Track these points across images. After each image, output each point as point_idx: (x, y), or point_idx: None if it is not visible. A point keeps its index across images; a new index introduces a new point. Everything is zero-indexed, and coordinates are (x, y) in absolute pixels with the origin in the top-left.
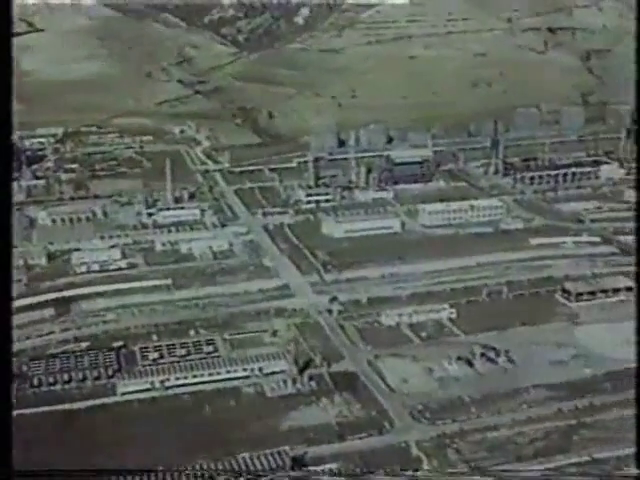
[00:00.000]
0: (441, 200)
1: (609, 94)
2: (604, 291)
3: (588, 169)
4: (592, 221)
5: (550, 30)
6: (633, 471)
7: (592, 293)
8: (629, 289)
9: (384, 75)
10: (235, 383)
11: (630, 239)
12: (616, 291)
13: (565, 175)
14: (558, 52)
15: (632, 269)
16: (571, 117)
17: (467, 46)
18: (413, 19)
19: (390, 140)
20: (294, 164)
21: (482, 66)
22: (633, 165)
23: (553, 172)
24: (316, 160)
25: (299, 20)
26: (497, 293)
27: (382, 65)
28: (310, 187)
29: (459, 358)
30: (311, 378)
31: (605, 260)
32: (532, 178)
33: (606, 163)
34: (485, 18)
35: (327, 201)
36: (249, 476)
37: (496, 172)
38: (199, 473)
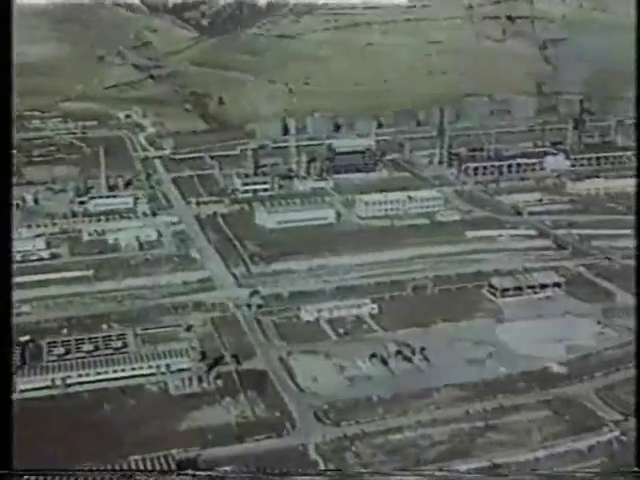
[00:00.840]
0: (382, 190)
1: (563, 84)
2: (531, 287)
3: (533, 160)
4: (531, 214)
5: (509, 18)
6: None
7: (519, 289)
8: (557, 285)
9: (339, 62)
10: (140, 380)
11: (566, 232)
12: (543, 287)
13: (510, 166)
14: (516, 41)
15: (565, 264)
16: (522, 107)
17: (424, 34)
18: (372, 6)
19: (337, 128)
20: (237, 152)
21: (438, 54)
22: (579, 156)
23: (497, 163)
24: (260, 148)
25: (262, 4)
26: (422, 288)
27: (338, 52)
28: (247, 176)
29: (373, 356)
30: (218, 376)
31: (539, 254)
32: (476, 169)
33: (552, 154)
34: (445, 5)
35: (265, 190)
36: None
37: (441, 162)
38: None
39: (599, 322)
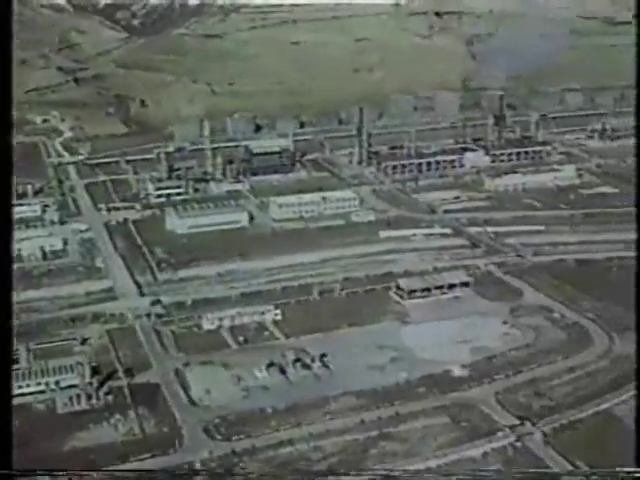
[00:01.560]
0: (299, 191)
1: (489, 79)
2: (439, 287)
3: (453, 157)
4: (447, 212)
5: (437, 14)
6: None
7: (426, 290)
8: (465, 284)
9: (265, 61)
10: (28, 399)
11: (481, 230)
12: (451, 287)
13: (429, 164)
14: (443, 37)
15: (476, 262)
16: (446, 103)
17: (352, 31)
18: (300, 3)
19: (258, 128)
20: (154, 155)
21: (365, 51)
22: (499, 152)
23: (417, 161)
24: (177, 151)
25: (193, 4)
26: (329, 291)
27: (264, 51)
28: (160, 180)
29: (272, 365)
30: (109, 392)
31: (452, 253)
32: (395, 167)
33: (472, 151)
34: (373, 2)
35: (178, 194)
36: None
37: (360, 161)
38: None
39: (505, 322)
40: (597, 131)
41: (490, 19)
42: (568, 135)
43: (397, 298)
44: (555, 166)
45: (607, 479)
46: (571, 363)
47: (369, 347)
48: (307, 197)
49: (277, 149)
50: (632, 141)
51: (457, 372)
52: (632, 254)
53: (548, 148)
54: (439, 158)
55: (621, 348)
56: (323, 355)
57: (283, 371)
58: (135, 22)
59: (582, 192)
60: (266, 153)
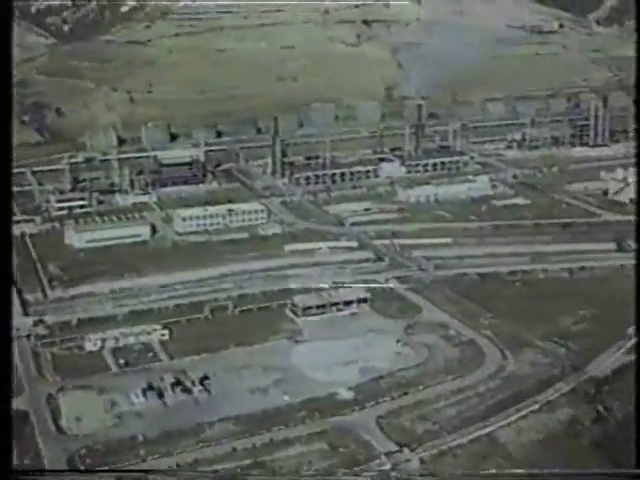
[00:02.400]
0: (206, 203)
1: (413, 88)
2: (335, 304)
3: (368, 168)
4: (356, 224)
5: (365, 22)
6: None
7: (322, 307)
8: (363, 301)
9: (187, 69)
10: None
11: (388, 243)
12: (348, 304)
13: (343, 174)
14: (370, 45)
15: (379, 277)
16: (368, 112)
17: (278, 38)
18: (227, 10)
19: (174, 138)
20: (62, 166)
21: (290, 59)
22: (415, 162)
23: (330, 171)
24: (87, 161)
25: (124, 10)
26: (222, 309)
27: (188, 58)
28: (63, 192)
29: (150, 388)
30: None
31: (355, 267)
32: (308, 178)
33: (389, 161)
34: (301, 10)
35: (81, 207)
36: None
37: (274, 172)
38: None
39: (398, 341)
40: (516, 141)
41: (418, 28)
42: (488, 145)
43: (292, 316)
44: (470, 177)
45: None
46: (460, 384)
47: (255, 368)
48: (212, 209)
49: (187, 159)
50: (551, 151)
51: (343, 394)
52: (538, 267)
53: (465, 158)
54: (354, 169)
55: (513, 367)
56: (205, 378)
57: (161, 395)
58: (65, 28)
59: (494, 203)
60: (175, 164)
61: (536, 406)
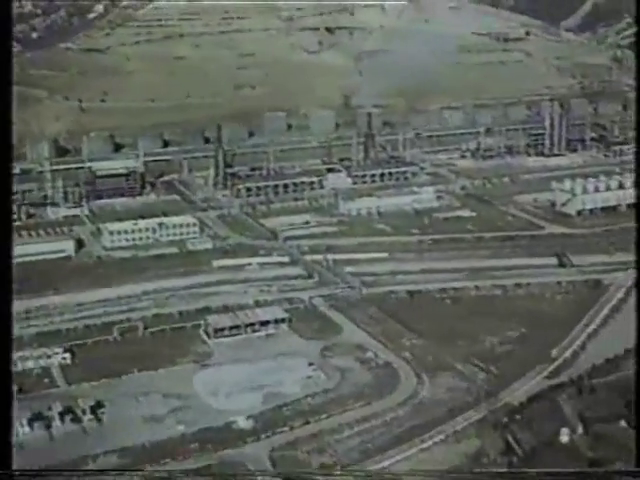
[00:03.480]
0: (141, 217)
1: (372, 96)
2: (250, 324)
3: (313, 179)
4: (292, 238)
5: (328, 30)
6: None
7: (236, 327)
8: (281, 321)
9: (144, 76)
10: None
11: (321, 258)
12: (265, 324)
13: (286, 186)
14: (332, 53)
15: (304, 295)
16: (322, 121)
17: (238, 46)
18: (188, 17)
19: (118, 148)
20: None
21: (250, 67)
22: (362, 173)
23: (273, 183)
24: (24, 173)
25: (91, 17)
26: (133, 330)
27: (145, 66)
28: None
29: (37, 418)
30: None
31: (282, 284)
32: (249, 190)
33: (336, 171)
34: (264, 17)
35: None
36: None
37: (215, 184)
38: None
39: (311, 364)
40: (470, 150)
41: (381, 35)
42: (441, 155)
43: (205, 337)
44: (415, 188)
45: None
46: (368, 411)
47: (154, 395)
48: (142, 223)
49: (123, 171)
50: (506, 160)
51: (241, 424)
52: (470, 284)
53: (414, 169)
54: (298, 180)
55: (427, 392)
56: (99, 405)
57: (49, 425)
58: (34, 35)
59: (438, 216)
60: (111, 175)
61: (441, 437)
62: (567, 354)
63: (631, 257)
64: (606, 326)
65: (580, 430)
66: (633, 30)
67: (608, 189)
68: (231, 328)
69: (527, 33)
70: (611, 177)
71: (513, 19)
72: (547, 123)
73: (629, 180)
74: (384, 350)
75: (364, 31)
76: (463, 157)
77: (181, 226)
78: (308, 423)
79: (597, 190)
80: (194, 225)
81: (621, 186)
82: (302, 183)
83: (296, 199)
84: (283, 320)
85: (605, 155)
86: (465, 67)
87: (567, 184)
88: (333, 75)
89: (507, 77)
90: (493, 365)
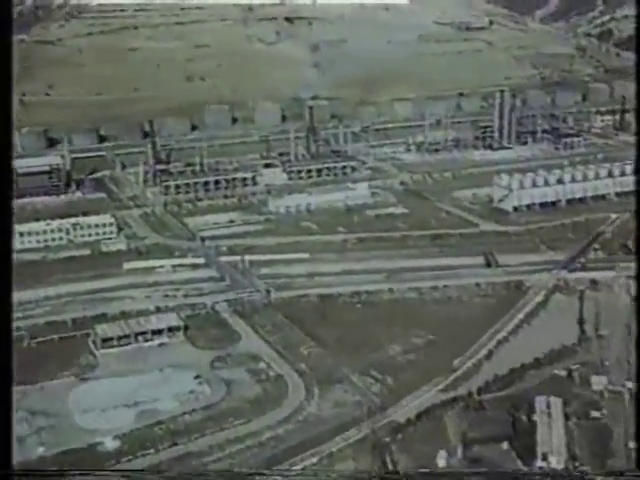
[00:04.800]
0: (60, 216)
1: (325, 88)
2: (142, 333)
3: (247, 174)
4: (212, 238)
5: (288, 20)
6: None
7: (125, 337)
8: (176, 329)
9: (94, 69)
10: None
11: (239, 259)
12: (157, 333)
13: (217, 182)
14: (289, 43)
15: (211, 299)
16: (268, 114)
17: (194, 37)
18: (144, 8)
19: (52, 144)
20: None
21: (203, 58)
22: (298, 168)
23: (204, 179)
24: None
25: (53, 8)
26: (18, 341)
27: (97, 58)
28: None
29: None
30: None
31: (191, 288)
32: (179, 187)
33: (272, 167)
34: (222, 7)
35: None
36: None
37: (145, 180)
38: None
39: (197, 377)
40: (416, 144)
41: (341, 25)
42: (387, 148)
43: (93, 347)
44: (349, 184)
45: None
46: (246, 430)
47: (22, 412)
48: (55, 224)
49: (47, 168)
50: (452, 154)
51: (107, 445)
52: (384, 286)
53: (353, 163)
54: (230, 176)
55: (314, 408)
56: None
57: None
58: None
59: (369, 214)
60: (34, 173)
61: (315, 459)
62: (469, 364)
63: (561, 256)
64: (519, 332)
65: (459, 453)
66: (605, 18)
67: (546, 184)
68: (120, 338)
69: (491, 22)
70: (550, 171)
71: (480, 8)
72: (496, 115)
73: (579, 173)
74: (278, 360)
75: (324, 21)
76: (409, 151)
77: (97, 226)
78: (176, 444)
79: (535, 185)
80: (111, 225)
81: (560, 181)
82: (234, 179)
83: (226, 196)
84: (178, 328)
85: (556, 148)
86: (423, 57)
87: (504, 179)
88: (287, 66)
89: (465, 67)
90: (391, 376)
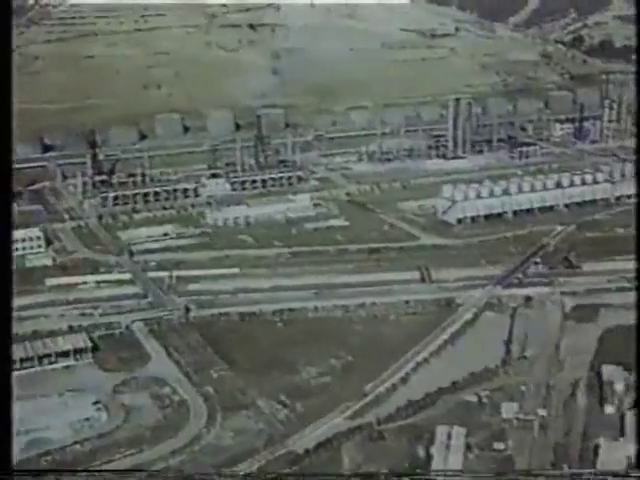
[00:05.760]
0: None
1: (282, 96)
2: (47, 356)
3: (189, 185)
4: (143, 252)
5: (251, 27)
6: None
7: (29, 359)
8: (83, 351)
9: (48, 77)
10: None
11: (166, 275)
12: (63, 355)
13: (157, 194)
14: (250, 51)
15: (130, 317)
16: (221, 123)
17: (154, 44)
18: (105, 15)
19: None
20: None
21: (161, 66)
22: (241, 179)
23: (144, 190)
24: None
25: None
26: None
27: (52, 65)
28: None
29: None
30: None
31: (111, 306)
32: (116, 198)
33: (216, 177)
34: (186, 14)
35: None
36: None
37: (84, 192)
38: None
39: (96, 402)
40: (368, 153)
41: (304, 32)
42: (339, 158)
43: None
44: (290, 196)
45: None
46: (136, 460)
47: None
48: None
49: None
50: (405, 164)
51: None
52: (310, 304)
53: (300, 173)
54: (171, 187)
55: (212, 437)
56: None
57: None
58: None
59: (308, 226)
60: None
61: None
62: (382, 389)
63: (497, 270)
64: (441, 354)
65: None
66: (578, 25)
67: (492, 195)
68: (23, 360)
69: (457, 29)
70: (497, 182)
71: (449, 15)
72: (450, 124)
73: (526, 184)
74: (186, 385)
75: (288, 28)
76: (360, 160)
77: (24, 240)
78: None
79: (479, 196)
80: (38, 239)
81: (506, 192)
82: (175, 191)
83: (165, 208)
84: (85, 350)
85: (511, 157)
86: (385, 64)
87: (447, 190)
88: (246, 74)
89: (427, 75)
90: (301, 401)
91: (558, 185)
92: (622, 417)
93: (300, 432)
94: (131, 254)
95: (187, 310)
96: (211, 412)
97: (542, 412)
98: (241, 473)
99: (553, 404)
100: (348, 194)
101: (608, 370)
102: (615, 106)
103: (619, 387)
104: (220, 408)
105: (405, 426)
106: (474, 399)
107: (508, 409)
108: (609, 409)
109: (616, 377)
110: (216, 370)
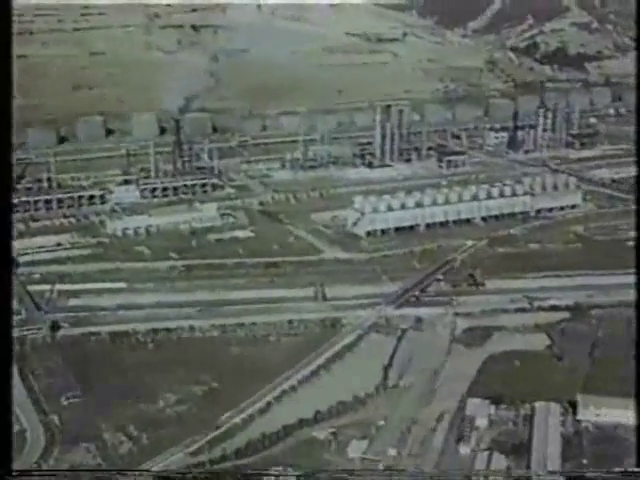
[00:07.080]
0: None
1: (216, 99)
2: None
3: (94, 192)
4: (31, 264)
5: (194, 28)
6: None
7: None
8: None
9: None
10: None
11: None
12: None
13: (60, 201)
14: (190, 52)
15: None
16: (146, 126)
17: (90, 44)
18: (43, 14)
19: None
20: None
21: (95, 66)
22: (151, 186)
23: (47, 197)
24: None
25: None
26: None
27: None
28: None
29: None
30: None
31: None
32: (16, 205)
33: (127, 183)
34: (125, 13)
35: None
36: None
37: None
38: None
39: None
40: (292, 161)
41: (249, 34)
42: (261, 164)
43: None
44: (197, 205)
45: None
46: None
47: None
48: None
49: None
50: (328, 171)
51: None
52: (185, 323)
53: (215, 181)
54: (76, 194)
55: None
56: None
57: None
58: None
59: (210, 237)
60: None
61: None
62: (238, 419)
63: (397, 287)
64: (312, 380)
65: None
66: (534, 32)
67: (403, 207)
68: None
69: (405, 34)
70: (410, 194)
71: (402, 20)
72: (377, 131)
73: (441, 196)
74: (30, 413)
75: (231, 29)
76: (283, 167)
77: None
78: None
79: (390, 209)
80: None
81: (419, 204)
82: (80, 198)
83: (66, 216)
84: None
85: (439, 166)
86: (325, 68)
87: (358, 201)
88: (182, 76)
89: (367, 80)
90: (150, 433)
91: (475, 197)
92: (473, 459)
93: (137, 467)
94: (17, 266)
95: (55, 329)
96: (48, 445)
97: (392, 452)
98: None
99: (408, 442)
100: (261, 203)
101: (473, 404)
102: (550, 115)
103: (481, 423)
104: (60, 440)
105: (240, 467)
106: (323, 435)
107: (356, 448)
108: (464, 449)
109: (479, 412)
110: (68, 397)
